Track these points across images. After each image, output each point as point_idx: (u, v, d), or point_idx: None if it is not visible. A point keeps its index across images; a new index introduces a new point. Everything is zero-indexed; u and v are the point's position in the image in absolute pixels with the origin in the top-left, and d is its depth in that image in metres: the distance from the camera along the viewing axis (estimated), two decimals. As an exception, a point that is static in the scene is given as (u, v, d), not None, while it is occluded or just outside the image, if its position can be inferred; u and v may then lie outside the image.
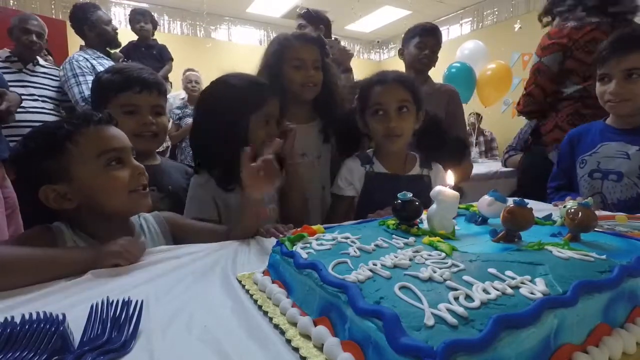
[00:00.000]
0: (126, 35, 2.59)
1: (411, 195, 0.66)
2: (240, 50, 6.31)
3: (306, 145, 1.39)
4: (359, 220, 0.75)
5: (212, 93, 1.15)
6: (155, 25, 2.91)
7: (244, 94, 1.10)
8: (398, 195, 0.66)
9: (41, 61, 2.33)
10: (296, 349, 0.43)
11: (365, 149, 1.35)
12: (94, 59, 2.29)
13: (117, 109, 1.04)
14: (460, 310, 0.36)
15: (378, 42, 7.83)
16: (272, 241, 0.66)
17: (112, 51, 2.47)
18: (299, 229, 0.66)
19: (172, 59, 2.89)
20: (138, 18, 2.81)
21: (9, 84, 2.07)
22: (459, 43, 4.67)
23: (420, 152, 1.31)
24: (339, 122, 1.38)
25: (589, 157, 1.35)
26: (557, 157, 1.53)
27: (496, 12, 5.70)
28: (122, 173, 0.78)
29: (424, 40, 1.87)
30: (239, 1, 5.76)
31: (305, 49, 1.35)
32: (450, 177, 0.68)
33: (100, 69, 2.24)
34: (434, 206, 0.64)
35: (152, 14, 2.94)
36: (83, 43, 2.39)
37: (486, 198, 0.70)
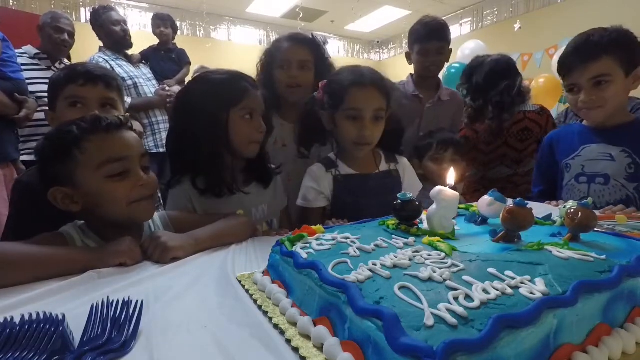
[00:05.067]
0: (137, 38, 2.62)
1: (411, 195, 0.66)
2: (240, 50, 6.31)
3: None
4: (358, 221, 0.75)
5: (189, 91, 1.08)
6: (175, 29, 2.94)
7: (222, 87, 1.03)
8: (398, 195, 0.66)
9: (65, 61, 2.33)
10: (296, 349, 0.43)
11: (329, 144, 1.28)
12: (112, 60, 2.30)
13: (63, 102, 1.04)
14: (460, 310, 0.36)
15: (378, 42, 7.84)
16: (272, 241, 0.66)
17: (130, 53, 2.49)
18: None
19: (189, 63, 2.91)
20: (158, 23, 2.85)
21: (37, 80, 2.09)
22: (459, 43, 4.68)
23: (383, 150, 1.25)
24: (302, 112, 1.30)
25: (572, 161, 1.31)
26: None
27: (496, 12, 5.71)
28: (122, 185, 0.77)
29: (425, 46, 1.71)
30: (238, 1, 5.76)
31: (291, 50, 1.33)
32: (450, 176, 0.68)
33: (118, 70, 2.25)
34: (434, 206, 0.64)
35: (173, 18, 2.97)
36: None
37: (486, 198, 0.70)
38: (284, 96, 1.37)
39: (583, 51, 1.18)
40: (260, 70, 1.40)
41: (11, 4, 4.76)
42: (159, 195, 1.17)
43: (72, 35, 2.25)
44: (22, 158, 2.08)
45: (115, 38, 2.38)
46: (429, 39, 1.71)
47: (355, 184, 1.17)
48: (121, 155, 0.78)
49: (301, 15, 5.83)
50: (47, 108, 1.12)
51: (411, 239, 0.59)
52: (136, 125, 0.90)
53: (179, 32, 3.11)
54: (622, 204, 1.15)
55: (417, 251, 0.53)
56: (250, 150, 1.06)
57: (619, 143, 1.22)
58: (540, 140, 1.79)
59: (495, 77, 1.80)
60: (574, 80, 1.22)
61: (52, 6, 4.94)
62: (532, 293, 0.39)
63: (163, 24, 2.84)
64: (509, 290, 0.40)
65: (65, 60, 2.32)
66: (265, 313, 0.52)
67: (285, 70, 1.33)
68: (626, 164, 1.20)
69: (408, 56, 1.83)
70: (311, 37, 1.40)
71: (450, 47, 1.76)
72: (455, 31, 6.17)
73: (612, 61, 1.15)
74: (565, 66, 1.24)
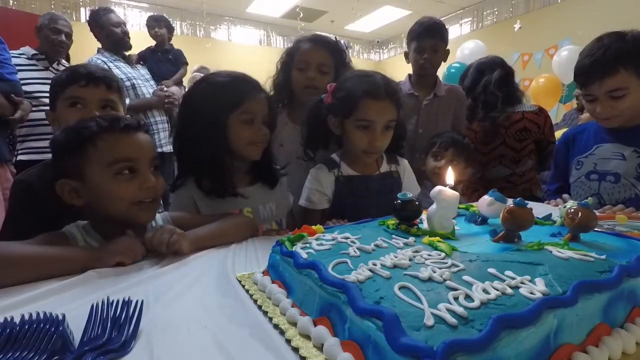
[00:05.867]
0: (137, 38, 2.63)
1: (411, 195, 0.66)
2: (240, 50, 6.32)
3: (301, 148, 1.34)
4: (358, 221, 0.75)
5: (192, 93, 1.09)
6: (170, 29, 2.94)
7: (223, 90, 1.03)
8: (398, 195, 0.66)
9: (63, 62, 2.34)
10: (296, 349, 0.43)
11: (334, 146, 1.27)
12: (110, 62, 2.31)
13: (63, 102, 1.03)
14: (460, 310, 0.36)
15: (378, 42, 7.84)
16: (272, 241, 0.66)
17: (128, 54, 2.50)
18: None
19: (186, 63, 2.92)
20: (152, 24, 2.87)
21: (35, 81, 2.10)
22: (459, 43, 4.68)
23: (385, 151, 1.24)
24: (308, 113, 1.26)
25: (585, 158, 1.34)
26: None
27: (496, 12, 5.71)
28: (129, 184, 0.79)
29: (421, 44, 1.73)
30: (238, 1, 5.76)
31: (312, 52, 1.32)
32: (450, 176, 0.68)
33: (116, 72, 2.26)
34: (433, 206, 0.64)
35: (168, 18, 2.97)
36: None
37: (486, 198, 0.70)
38: (299, 97, 1.36)
39: (600, 65, 1.17)
40: (279, 69, 1.39)
41: (11, 3, 4.76)
42: None
43: (69, 36, 2.26)
44: (20, 158, 2.08)
45: (115, 39, 2.39)
46: (424, 36, 1.72)
47: (357, 185, 1.18)
48: (132, 156, 0.79)
49: (301, 15, 5.83)
50: (44, 108, 1.12)
51: (411, 239, 0.59)
52: None
53: (179, 33, 3.12)
54: (631, 202, 1.17)
55: (417, 251, 0.53)
56: (251, 152, 1.06)
57: (632, 143, 1.24)
58: (538, 140, 1.82)
59: (478, 75, 1.87)
60: (590, 92, 1.23)
61: (52, 6, 4.95)
62: (532, 293, 0.39)
63: (157, 24, 2.85)
64: (509, 290, 0.40)
65: (64, 61, 2.33)
66: (265, 313, 0.52)
67: (304, 72, 1.32)
68: (637, 163, 1.22)
69: (406, 55, 1.85)
70: (334, 40, 1.38)
71: (447, 48, 1.78)
72: (455, 31, 6.17)
73: (629, 74, 1.15)
74: (582, 77, 1.24)
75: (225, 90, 1.02)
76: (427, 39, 1.72)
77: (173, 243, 0.76)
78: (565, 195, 1.33)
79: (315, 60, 1.32)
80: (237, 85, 1.04)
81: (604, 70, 1.17)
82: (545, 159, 1.88)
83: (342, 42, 1.41)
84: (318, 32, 1.45)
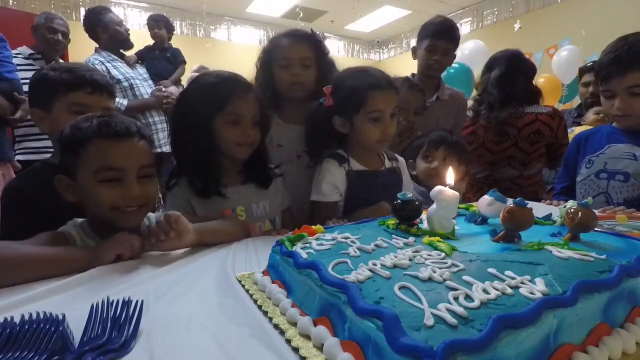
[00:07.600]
0: (137, 38, 2.64)
1: (410, 195, 0.66)
2: (240, 50, 6.31)
3: (300, 146, 1.35)
4: (358, 221, 0.75)
5: (186, 93, 1.11)
6: (170, 29, 2.95)
7: (210, 91, 1.03)
8: (398, 195, 0.66)
9: (61, 61, 2.33)
10: (296, 349, 0.43)
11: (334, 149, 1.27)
12: (108, 62, 2.31)
13: (65, 107, 1.01)
14: (460, 310, 0.36)
15: (378, 42, 7.84)
16: (272, 241, 0.66)
17: (127, 54, 2.51)
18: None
19: (184, 62, 2.92)
20: (152, 24, 2.89)
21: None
22: (459, 43, 4.67)
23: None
24: (310, 120, 1.27)
25: (596, 157, 1.35)
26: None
27: (496, 12, 5.71)
28: (112, 191, 0.78)
29: (434, 43, 1.70)
30: (238, 1, 5.76)
31: (292, 47, 1.31)
32: (450, 176, 0.68)
33: (114, 72, 2.27)
34: (433, 206, 0.64)
35: (168, 18, 2.97)
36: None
37: (486, 198, 0.70)
38: (286, 94, 1.35)
39: (623, 61, 1.20)
40: (258, 69, 1.38)
41: (11, 3, 4.76)
42: (159, 196, 1.18)
43: (65, 35, 2.26)
44: (18, 157, 2.08)
45: (120, 38, 2.40)
46: (438, 36, 1.69)
47: (367, 180, 1.20)
48: (119, 165, 0.78)
49: (301, 15, 5.82)
50: None
51: (411, 239, 0.59)
52: None
53: (178, 32, 3.12)
54: (638, 201, 1.19)
55: (417, 251, 0.53)
56: (238, 153, 1.07)
57: None
58: (550, 144, 1.78)
59: (486, 70, 1.83)
60: (610, 87, 1.25)
61: (52, 6, 4.94)
62: (532, 293, 0.39)
63: (156, 25, 2.86)
64: (509, 290, 0.40)
65: (61, 61, 2.32)
66: (265, 313, 0.52)
67: (287, 69, 1.31)
68: None
69: (414, 51, 1.81)
70: (311, 32, 1.37)
71: (455, 53, 1.77)
72: (455, 31, 6.16)
73: None
74: (603, 71, 1.26)
75: (212, 92, 1.04)
76: (442, 40, 1.69)
77: (171, 225, 0.77)
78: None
79: (297, 55, 1.30)
80: (224, 87, 1.04)
81: (626, 66, 1.19)
82: (556, 159, 1.82)
83: (317, 33, 1.39)
84: (293, 28, 1.44)
